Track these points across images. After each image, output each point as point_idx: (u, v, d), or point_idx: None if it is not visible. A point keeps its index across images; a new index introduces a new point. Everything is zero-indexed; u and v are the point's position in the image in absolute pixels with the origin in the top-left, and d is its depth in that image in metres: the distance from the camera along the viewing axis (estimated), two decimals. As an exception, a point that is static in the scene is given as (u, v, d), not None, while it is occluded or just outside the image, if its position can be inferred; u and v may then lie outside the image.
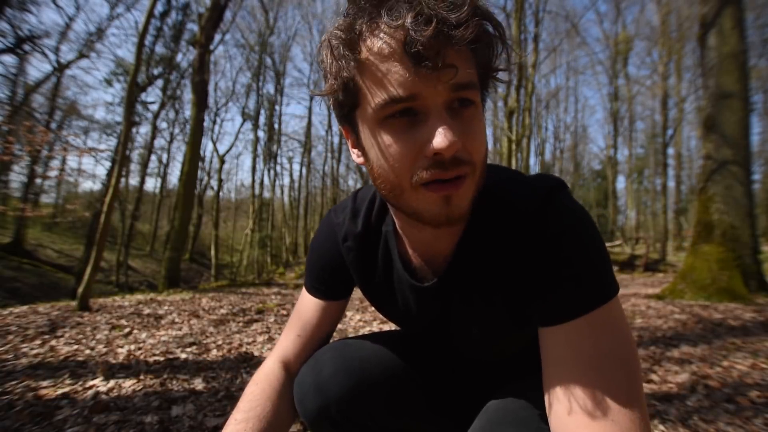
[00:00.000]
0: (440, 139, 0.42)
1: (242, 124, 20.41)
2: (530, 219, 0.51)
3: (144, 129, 18.14)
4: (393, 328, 0.86)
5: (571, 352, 0.46)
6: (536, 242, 0.50)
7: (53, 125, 15.57)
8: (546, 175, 0.56)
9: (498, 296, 0.57)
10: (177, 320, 3.51)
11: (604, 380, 0.44)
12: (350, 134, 0.53)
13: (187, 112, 16.37)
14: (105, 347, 2.47)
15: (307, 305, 0.75)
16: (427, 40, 0.40)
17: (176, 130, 19.96)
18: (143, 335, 2.86)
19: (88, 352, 2.35)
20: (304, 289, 0.76)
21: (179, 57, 15.43)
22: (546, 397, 0.49)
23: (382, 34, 0.42)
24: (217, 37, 11.64)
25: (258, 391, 0.67)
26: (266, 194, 22.15)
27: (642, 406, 0.45)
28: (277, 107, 21.27)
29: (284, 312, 4.12)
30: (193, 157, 8.88)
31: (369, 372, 0.68)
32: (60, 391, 1.68)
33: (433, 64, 0.41)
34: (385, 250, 0.66)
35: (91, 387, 1.76)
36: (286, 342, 0.75)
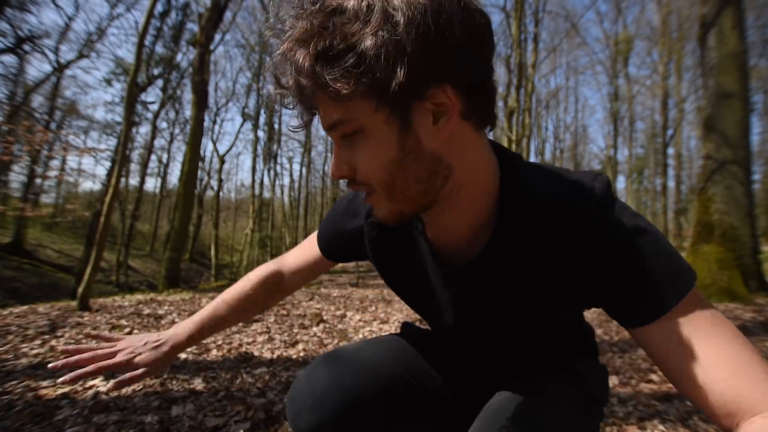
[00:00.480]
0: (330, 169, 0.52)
1: (242, 124, 20.45)
2: (590, 222, 0.49)
3: (144, 129, 18.21)
4: (393, 332, 0.87)
5: (686, 334, 0.46)
6: (601, 245, 0.49)
7: (53, 125, 15.57)
8: (593, 176, 0.54)
9: (520, 293, 0.57)
10: (177, 320, 3.51)
11: (728, 344, 0.45)
12: None
13: (187, 112, 16.39)
14: (105, 347, 2.46)
15: (312, 250, 0.83)
16: (289, 102, 0.49)
17: (176, 130, 19.98)
18: (143, 335, 2.85)
19: (88, 352, 2.35)
20: (314, 235, 0.84)
21: (179, 57, 15.45)
22: (687, 384, 0.47)
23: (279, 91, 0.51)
24: (217, 37, 11.65)
25: (251, 280, 0.85)
26: (266, 194, 22.16)
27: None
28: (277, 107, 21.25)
29: (284, 312, 4.12)
30: (193, 157, 8.88)
31: (365, 386, 0.67)
32: (60, 391, 1.68)
33: (303, 114, 0.51)
34: (408, 231, 0.66)
35: (91, 387, 1.76)
36: (290, 260, 0.86)
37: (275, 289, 0.86)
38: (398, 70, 0.42)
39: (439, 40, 0.42)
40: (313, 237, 0.83)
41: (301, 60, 0.44)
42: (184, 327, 0.80)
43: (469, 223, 0.56)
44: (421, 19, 0.41)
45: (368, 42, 0.41)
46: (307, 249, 0.84)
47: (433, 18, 0.42)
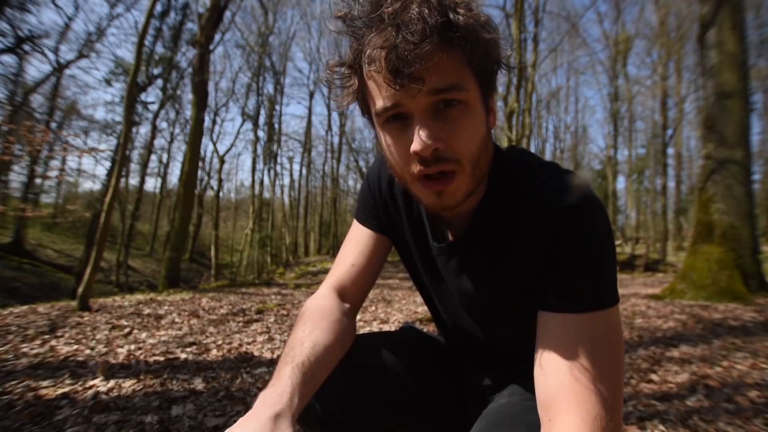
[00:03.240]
0: (416, 141, 0.50)
1: (242, 124, 20.39)
2: (563, 216, 0.53)
3: (144, 129, 18.14)
4: (392, 329, 0.87)
5: (564, 339, 0.51)
6: (562, 239, 0.53)
7: (53, 125, 15.57)
8: (585, 187, 0.57)
9: (502, 271, 0.61)
10: (177, 320, 3.51)
11: (584, 368, 0.49)
12: (374, 130, 0.60)
13: (187, 112, 16.35)
14: (105, 347, 2.47)
15: (360, 236, 0.76)
16: (402, 58, 0.46)
17: (176, 130, 19.96)
18: (143, 335, 2.86)
19: (88, 352, 2.35)
20: (354, 223, 0.78)
21: (179, 57, 15.44)
22: (534, 370, 0.54)
23: (371, 53, 0.49)
24: (217, 37, 11.63)
25: (315, 309, 0.66)
26: (266, 194, 22.16)
27: (617, 412, 0.49)
28: (277, 107, 21.28)
29: (284, 312, 4.12)
30: (193, 157, 8.88)
31: (359, 376, 0.68)
32: (60, 391, 1.68)
33: (408, 76, 0.47)
34: (414, 208, 0.71)
35: (91, 387, 1.76)
36: (339, 271, 0.74)
37: (346, 325, 0.68)
38: (500, 62, 0.54)
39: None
40: (353, 233, 0.77)
41: (463, 15, 0.47)
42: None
43: (473, 203, 0.61)
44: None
45: (480, 16, 0.50)
46: (356, 245, 0.75)
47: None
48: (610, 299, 0.53)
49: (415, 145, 0.49)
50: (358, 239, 0.76)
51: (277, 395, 0.49)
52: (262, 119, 20.64)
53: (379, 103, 0.52)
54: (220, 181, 20.13)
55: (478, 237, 0.62)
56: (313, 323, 0.62)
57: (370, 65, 0.50)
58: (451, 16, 0.47)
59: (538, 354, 0.54)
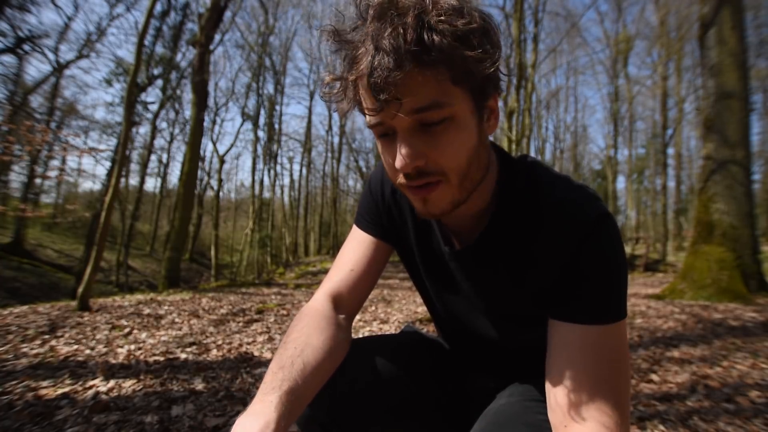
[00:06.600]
0: (398, 159, 0.51)
1: (242, 124, 20.41)
2: (586, 231, 0.54)
3: (144, 129, 18.12)
4: (394, 332, 0.88)
5: (582, 350, 0.53)
6: (584, 252, 0.54)
7: (53, 125, 15.56)
8: (596, 197, 0.58)
9: (524, 279, 0.61)
10: (177, 320, 3.51)
11: (600, 377, 0.51)
12: None
13: (187, 112, 16.35)
14: (105, 347, 2.47)
15: (360, 241, 0.75)
16: (377, 83, 0.46)
17: (176, 130, 19.94)
18: (143, 335, 2.86)
19: (88, 352, 2.35)
20: (354, 228, 0.78)
21: (179, 57, 15.45)
22: (546, 378, 0.55)
23: (355, 72, 0.50)
24: (217, 37, 11.64)
25: (309, 322, 0.64)
26: (266, 194, 22.16)
27: (627, 419, 0.51)
28: (277, 107, 21.28)
29: (284, 312, 4.12)
30: (193, 157, 8.88)
31: (361, 381, 0.68)
32: (60, 391, 1.68)
33: (387, 97, 0.47)
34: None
35: (91, 387, 1.76)
36: (338, 276, 0.73)
37: (342, 332, 0.67)
38: (494, 69, 0.51)
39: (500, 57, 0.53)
40: (352, 238, 0.77)
41: (439, 34, 0.45)
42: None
43: (476, 209, 0.62)
44: (499, 38, 0.52)
45: (490, 38, 0.50)
46: (356, 251, 0.74)
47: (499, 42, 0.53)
48: (623, 312, 0.55)
49: (397, 162, 0.51)
50: (357, 244, 0.75)
51: (259, 429, 0.47)
52: (262, 119, 20.66)
53: (367, 118, 0.53)
54: (220, 181, 20.13)
55: (496, 243, 0.62)
56: (305, 340, 0.60)
57: (356, 84, 0.51)
58: (426, 37, 0.45)
59: (553, 364, 0.54)
